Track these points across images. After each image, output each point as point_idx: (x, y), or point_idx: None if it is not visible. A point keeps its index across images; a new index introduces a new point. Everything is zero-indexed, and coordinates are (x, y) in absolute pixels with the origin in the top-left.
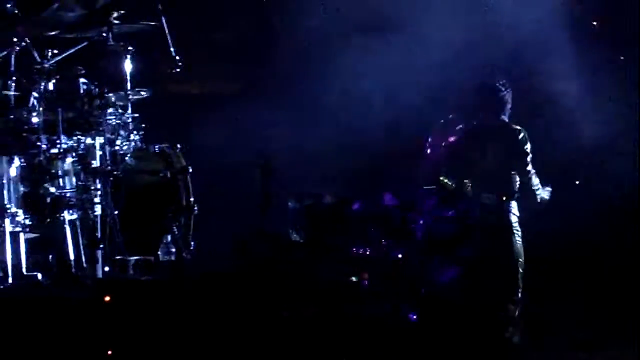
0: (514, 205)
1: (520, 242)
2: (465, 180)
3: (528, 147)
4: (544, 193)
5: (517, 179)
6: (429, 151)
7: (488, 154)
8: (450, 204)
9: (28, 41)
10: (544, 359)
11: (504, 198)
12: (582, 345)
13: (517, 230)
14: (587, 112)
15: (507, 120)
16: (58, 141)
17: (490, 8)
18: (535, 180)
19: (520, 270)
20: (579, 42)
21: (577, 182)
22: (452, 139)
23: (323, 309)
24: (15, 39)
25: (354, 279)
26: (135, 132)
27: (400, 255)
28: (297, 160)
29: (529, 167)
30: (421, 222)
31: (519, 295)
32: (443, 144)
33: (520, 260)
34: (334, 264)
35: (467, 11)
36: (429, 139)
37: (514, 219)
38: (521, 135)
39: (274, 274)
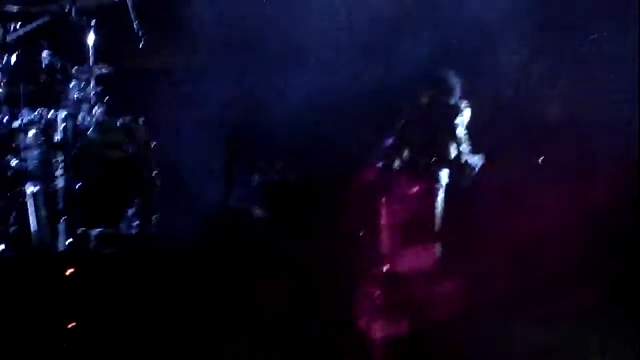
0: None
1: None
2: None
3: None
4: (472, 158)
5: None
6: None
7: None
8: None
9: None
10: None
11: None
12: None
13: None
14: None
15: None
16: (20, 114)
17: None
18: (465, 148)
19: None
20: None
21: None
22: None
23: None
24: None
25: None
26: (98, 106)
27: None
28: (262, 133)
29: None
30: None
31: None
32: None
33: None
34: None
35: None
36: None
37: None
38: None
39: (236, 249)
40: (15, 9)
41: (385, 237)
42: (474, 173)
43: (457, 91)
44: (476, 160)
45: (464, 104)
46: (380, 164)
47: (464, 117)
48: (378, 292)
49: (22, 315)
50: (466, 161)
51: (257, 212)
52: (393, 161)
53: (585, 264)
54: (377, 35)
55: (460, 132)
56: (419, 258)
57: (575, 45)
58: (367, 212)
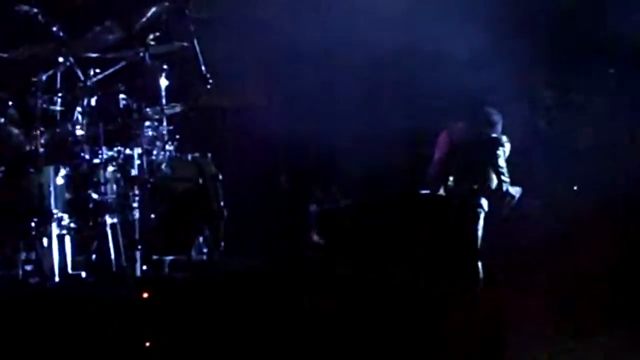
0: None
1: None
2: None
3: (501, 153)
4: (512, 189)
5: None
6: (435, 156)
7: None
8: None
9: (72, 61)
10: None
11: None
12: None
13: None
14: None
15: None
16: (100, 152)
17: None
18: (506, 179)
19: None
20: None
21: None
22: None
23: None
24: (60, 59)
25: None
26: (170, 143)
27: None
28: (318, 167)
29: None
30: None
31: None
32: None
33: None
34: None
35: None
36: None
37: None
38: (500, 146)
39: (296, 271)
40: (94, 55)
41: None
42: (514, 203)
43: (499, 126)
44: (516, 191)
45: (504, 138)
46: (425, 191)
47: (505, 150)
48: None
49: (102, 335)
50: (507, 190)
51: (315, 238)
52: (438, 189)
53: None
54: (421, 73)
55: (502, 163)
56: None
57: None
58: (413, 235)
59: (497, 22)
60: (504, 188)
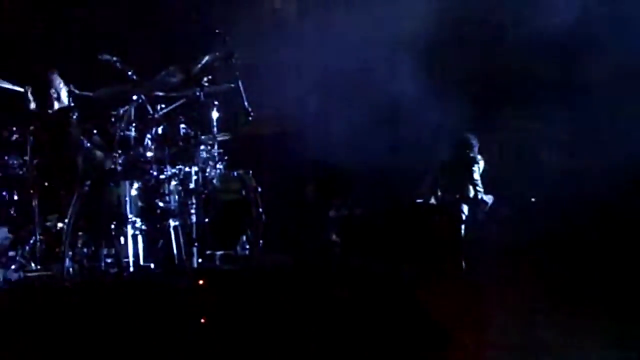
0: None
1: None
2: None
3: (476, 169)
4: (485, 197)
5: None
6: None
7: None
8: None
9: (144, 98)
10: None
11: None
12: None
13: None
14: None
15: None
16: (165, 170)
17: None
18: (480, 189)
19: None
20: None
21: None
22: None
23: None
24: (134, 97)
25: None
26: (219, 162)
27: None
28: (336, 181)
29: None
30: None
31: None
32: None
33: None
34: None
35: None
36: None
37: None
38: (475, 163)
39: (319, 263)
40: (161, 94)
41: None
42: (487, 208)
43: (476, 148)
44: (489, 198)
45: (479, 157)
46: (420, 201)
47: (480, 166)
48: None
49: (166, 315)
50: (481, 198)
51: (334, 238)
52: (429, 199)
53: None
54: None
55: (477, 177)
56: None
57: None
58: (411, 235)
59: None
60: (479, 196)
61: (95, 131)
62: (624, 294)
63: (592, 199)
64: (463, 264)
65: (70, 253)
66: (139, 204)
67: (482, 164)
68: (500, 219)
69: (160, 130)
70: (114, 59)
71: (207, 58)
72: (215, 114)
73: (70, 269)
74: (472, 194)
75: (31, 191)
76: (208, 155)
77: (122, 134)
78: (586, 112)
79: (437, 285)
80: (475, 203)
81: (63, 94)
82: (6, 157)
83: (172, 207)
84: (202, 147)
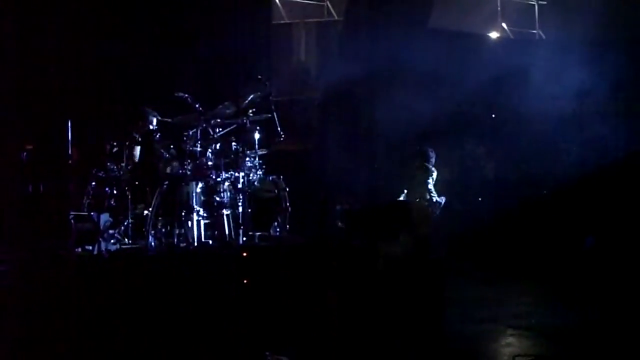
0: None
1: None
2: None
3: (430, 178)
4: (439, 199)
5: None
6: None
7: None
8: None
9: (206, 124)
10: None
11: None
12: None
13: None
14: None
15: (428, 165)
16: (221, 174)
17: None
18: (434, 194)
19: None
20: None
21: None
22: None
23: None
24: (200, 123)
25: None
26: (259, 170)
27: None
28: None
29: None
30: None
31: None
32: None
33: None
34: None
35: None
36: None
37: None
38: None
39: (328, 243)
40: (219, 120)
41: None
42: (441, 206)
43: (433, 160)
44: (442, 199)
45: (433, 168)
46: (399, 199)
47: (434, 175)
48: None
49: (220, 277)
50: (435, 200)
51: (340, 224)
52: (404, 197)
53: None
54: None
55: (430, 182)
56: None
57: None
58: (394, 224)
59: None
60: (433, 199)
61: (172, 146)
62: (543, 266)
63: (517, 196)
64: (429, 247)
65: (153, 232)
66: (202, 198)
67: (435, 173)
68: (454, 214)
69: (217, 147)
70: (186, 95)
71: (252, 96)
72: (257, 135)
73: (152, 244)
74: (428, 197)
75: (125, 188)
76: (251, 165)
77: (190, 149)
78: (508, 139)
79: (412, 263)
80: (431, 203)
81: (153, 120)
82: (108, 163)
83: (225, 201)
84: (247, 158)
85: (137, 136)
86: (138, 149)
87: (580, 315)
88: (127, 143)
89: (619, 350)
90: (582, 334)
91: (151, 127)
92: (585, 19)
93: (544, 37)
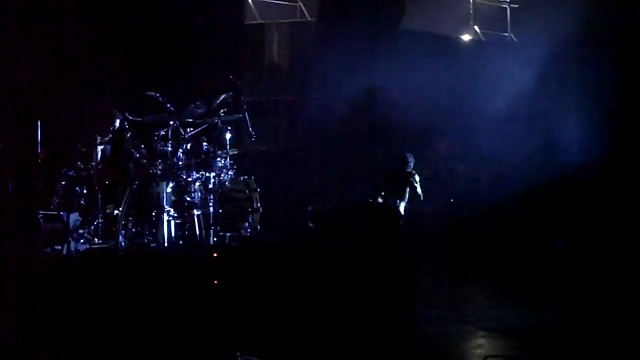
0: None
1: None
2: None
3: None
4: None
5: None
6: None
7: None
8: None
9: (177, 123)
10: None
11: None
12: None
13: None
14: None
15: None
16: (191, 174)
17: None
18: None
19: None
20: None
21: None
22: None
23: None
24: (171, 122)
25: None
26: (230, 170)
27: None
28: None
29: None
30: None
31: None
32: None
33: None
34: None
35: None
36: None
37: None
38: (413, 176)
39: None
40: (190, 120)
41: None
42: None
43: (412, 164)
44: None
45: (414, 171)
46: (370, 200)
47: (416, 177)
48: None
49: (190, 277)
50: (421, 198)
51: (310, 225)
52: (377, 198)
53: None
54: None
55: (414, 184)
56: None
57: None
58: (366, 225)
59: None
60: (421, 198)
61: (142, 146)
62: (515, 267)
63: (487, 194)
64: (403, 246)
65: (123, 232)
66: (173, 198)
67: (417, 177)
68: (425, 215)
69: (188, 146)
70: (157, 95)
71: (223, 96)
72: (228, 135)
73: (122, 243)
74: (406, 198)
75: (96, 187)
76: (222, 165)
77: (161, 148)
78: (480, 140)
79: (385, 262)
80: (414, 202)
81: (116, 122)
82: (78, 162)
83: (196, 201)
84: (218, 158)
85: (101, 138)
86: (108, 148)
87: (550, 316)
88: (97, 142)
89: (589, 350)
90: (552, 334)
91: (116, 127)
92: (556, 22)
93: (515, 39)
